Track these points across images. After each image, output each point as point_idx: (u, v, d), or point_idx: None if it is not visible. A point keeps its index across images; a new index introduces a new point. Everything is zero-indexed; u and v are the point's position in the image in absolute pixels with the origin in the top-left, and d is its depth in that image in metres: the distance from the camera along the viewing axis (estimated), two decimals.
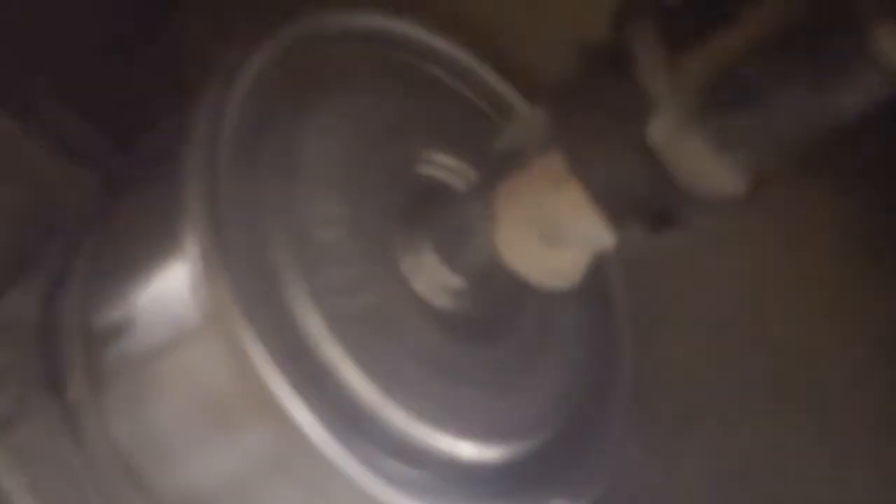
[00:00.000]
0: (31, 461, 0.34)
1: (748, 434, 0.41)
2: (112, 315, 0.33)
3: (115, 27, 0.41)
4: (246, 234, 0.29)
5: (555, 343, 0.35)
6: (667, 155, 0.24)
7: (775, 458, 0.40)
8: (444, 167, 0.34)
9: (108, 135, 0.40)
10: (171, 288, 0.30)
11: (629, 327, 0.37)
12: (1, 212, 0.37)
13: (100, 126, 0.40)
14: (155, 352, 0.31)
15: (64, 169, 0.38)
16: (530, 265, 0.30)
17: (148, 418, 0.32)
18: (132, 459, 0.33)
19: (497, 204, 0.29)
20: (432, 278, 0.32)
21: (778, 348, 0.42)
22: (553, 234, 0.29)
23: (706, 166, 0.25)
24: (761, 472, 0.40)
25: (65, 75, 0.39)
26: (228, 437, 0.30)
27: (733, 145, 0.25)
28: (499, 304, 0.34)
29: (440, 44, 0.36)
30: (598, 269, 0.37)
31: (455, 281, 0.33)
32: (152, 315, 0.31)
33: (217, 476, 0.32)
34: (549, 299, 0.35)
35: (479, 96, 0.37)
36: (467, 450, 0.31)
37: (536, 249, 0.29)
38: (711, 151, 0.25)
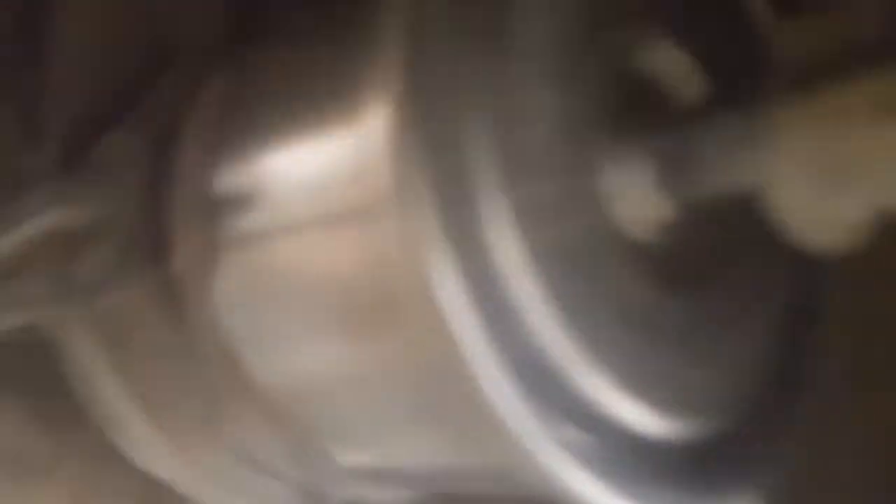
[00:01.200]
0: (121, 335, 0.29)
1: None
2: (244, 174, 0.27)
3: None
4: (447, 111, 0.22)
5: (752, 311, 0.29)
6: None
7: None
8: (671, 63, 0.27)
9: None
10: (342, 147, 0.24)
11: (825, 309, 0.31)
12: (104, 30, 0.30)
13: None
14: (298, 226, 0.25)
15: None
16: (805, 213, 0.23)
17: (268, 308, 0.27)
18: (238, 351, 0.28)
19: (776, 131, 0.22)
20: (639, 204, 0.26)
21: None
22: (850, 175, 0.22)
23: None
24: None
25: None
26: (372, 349, 0.25)
27: None
28: (707, 251, 0.27)
29: None
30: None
31: (666, 212, 0.26)
32: (304, 180, 0.25)
33: (341, 384, 0.26)
34: (756, 260, 0.29)
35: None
36: (655, 423, 0.25)
37: (817, 194, 0.22)
38: None
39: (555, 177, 0.24)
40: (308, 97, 0.26)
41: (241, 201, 0.27)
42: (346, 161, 0.24)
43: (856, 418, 0.37)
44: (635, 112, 0.26)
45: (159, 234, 0.29)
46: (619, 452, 0.24)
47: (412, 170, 0.22)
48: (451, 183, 0.22)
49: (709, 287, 0.27)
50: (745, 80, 0.25)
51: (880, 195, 0.22)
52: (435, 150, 0.22)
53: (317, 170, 0.25)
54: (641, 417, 0.25)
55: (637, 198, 0.26)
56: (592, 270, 0.25)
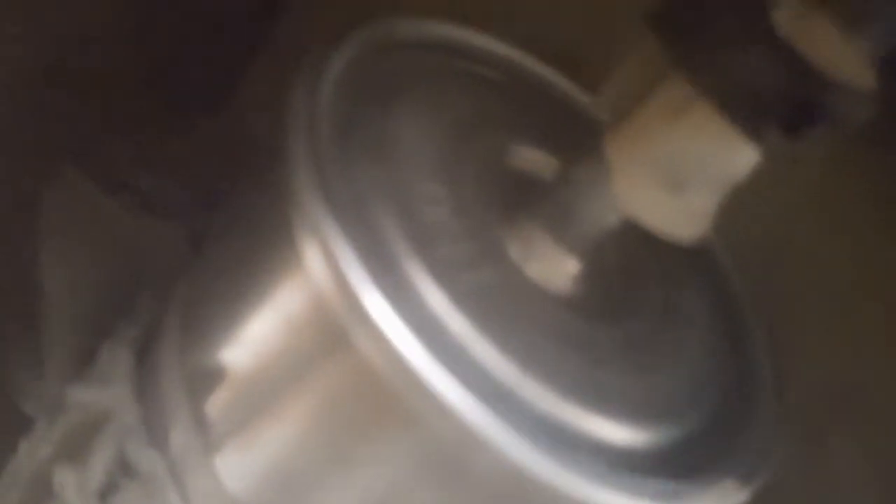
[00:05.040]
0: None
1: None
2: (218, 353, 0.31)
3: (189, 91, 0.42)
4: (357, 219, 0.27)
5: (681, 324, 0.32)
6: (797, 41, 0.23)
7: None
8: (531, 160, 0.33)
9: (190, 192, 0.40)
10: (288, 302, 0.28)
11: (753, 308, 0.34)
12: (87, 270, 0.36)
13: (182, 184, 0.40)
14: (276, 379, 0.29)
15: (148, 226, 0.38)
16: (657, 214, 0.28)
17: (264, 452, 0.30)
18: None
19: (612, 157, 0.28)
20: (546, 263, 0.30)
21: None
22: (679, 174, 0.27)
23: (837, 48, 0.23)
24: None
25: (143, 136, 0.40)
26: (369, 449, 0.27)
27: (860, 25, 0.23)
28: (616, 286, 0.32)
29: (502, 49, 0.36)
30: (708, 254, 0.36)
31: (570, 264, 0.31)
32: (269, 339, 0.29)
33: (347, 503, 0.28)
34: (667, 280, 0.33)
35: (547, 97, 0.36)
36: (619, 433, 0.28)
37: (662, 197, 0.27)
38: (840, 32, 0.23)
39: (462, 240, 0.29)
40: (249, 272, 0.30)
41: (223, 369, 0.31)
42: (300, 297, 0.28)
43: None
44: (517, 194, 0.31)
45: (156, 422, 0.32)
46: (594, 462, 0.26)
47: (346, 269, 0.26)
48: (376, 259, 0.26)
49: (633, 314, 0.31)
50: (587, 146, 0.31)
51: (707, 180, 0.27)
52: (358, 242, 0.27)
53: (281, 317, 0.29)
54: (607, 430, 0.28)
55: (543, 258, 0.30)
56: (523, 308, 0.29)
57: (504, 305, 0.28)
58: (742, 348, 0.33)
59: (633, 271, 0.32)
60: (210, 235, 0.36)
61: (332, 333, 0.27)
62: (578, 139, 0.31)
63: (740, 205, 0.33)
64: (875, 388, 0.38)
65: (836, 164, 0.39)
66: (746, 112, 0.25)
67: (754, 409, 0.31)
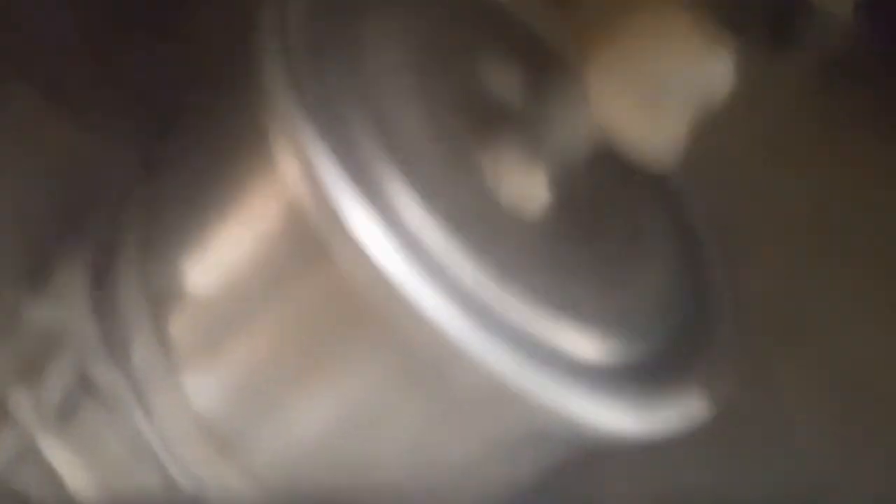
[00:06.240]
0: (99, 442, 0.31)
1: (856, 341, 0.39)
2: (183, 268, 0.30)
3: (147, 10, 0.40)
4: (333, 130, 0.27)
5: (646, 248, 0.33)
6: None
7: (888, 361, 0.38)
8: (505, 84, 0.33)
9: (143, 111, 0.38)
10: (261, 214, 0.28)
11: (709, 233, 0.35)
12: (35, 187, 0.34)
13: (134, 106, 0.38)
14: (248, 293, 0.28)
15: (99, 143, 0.36)
16: (632, 131, 0.28)
17: (234, 369, 0.29)
18: (213, 422, 0.30)
19: (589, 73, 0.28)
20: (518, 186, 0.30)
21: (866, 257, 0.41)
22: (656, 89, 0.27)
23: None
24: (875, 375, 0.38)
25: (97, 55, 0.38)
26: (346, 361, 0.27)
27: None
28: (586, 211, 0.32)
29: None
30: (672, 184, 0.36)
31: (542, 190, 0.31)
32: (239, 252, 0.29)
33: (321, 419, 0.28)
34: (634, 207, 0.34)
35: (523, 22, 0.36)
36: (590, 346, 0.28)
37: (637, 114, 0.28)
38: None
39: (436, 165, 0.28)
40: (216, 184, 0.30)
41: (181, 293, 0.30)
42: (272, 200, 0.27)
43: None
44: (491, 116, 0.31)
45: (116, 337, 0.31)
46: (561, 368, 0.27)
47: (325, 176, 0.26)
48: (354, 167, 0.26)
49: (601, 236, 0.32)
50: (562, 73, 0.30)
51: (685, 93, 0.28)
52: (336, 150, 0.26)
53: (249, 221, 0.28)
54: (573, 340, 0.28)
55: (516, 180, 0.30)
56: (492, 230, 0.29)
57: (478, 225, 0.28)
58: (700, 273, 0.34)
59: (602, 197, 0.33)
60: (166, 153, 0.35)
61: (309, 244, 0.26)
62: (553, 64, 0.31)
63: (702, 141, 0.34)
64: (820, 315, 0.40)
65: (793, 106, 0.40)
66: (730, 18, 0.25)
67: (712, 328, 0.32)
